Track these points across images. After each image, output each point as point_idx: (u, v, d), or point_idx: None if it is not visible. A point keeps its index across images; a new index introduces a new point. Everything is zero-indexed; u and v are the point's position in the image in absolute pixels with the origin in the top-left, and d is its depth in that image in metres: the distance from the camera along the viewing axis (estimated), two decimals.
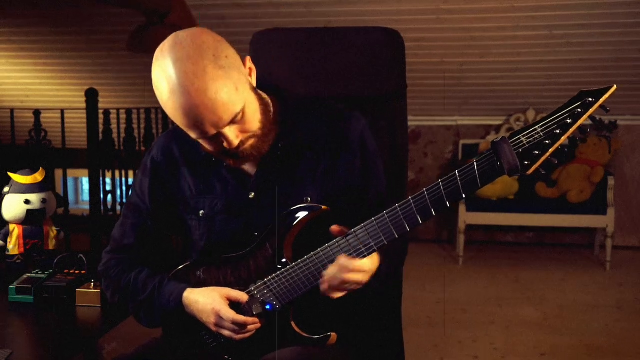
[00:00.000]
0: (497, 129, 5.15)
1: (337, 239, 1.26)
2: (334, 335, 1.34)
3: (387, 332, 1.63)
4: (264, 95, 1.36)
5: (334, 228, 1.26)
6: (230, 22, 4.39)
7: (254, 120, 1.30)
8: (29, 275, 1.69)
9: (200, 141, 1.31)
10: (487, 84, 4.86)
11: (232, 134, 1.26)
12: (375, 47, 1.70)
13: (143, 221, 1.46)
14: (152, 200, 1.45)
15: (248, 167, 1.40)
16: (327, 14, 4.24)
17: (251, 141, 1.30)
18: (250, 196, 1.38)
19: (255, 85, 1.33)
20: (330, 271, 1.26)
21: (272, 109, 1.38)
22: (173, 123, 1.31)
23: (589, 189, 4.63)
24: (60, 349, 1.39)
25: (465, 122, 5.26)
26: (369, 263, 1.27)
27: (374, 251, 1.25)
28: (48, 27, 4.86)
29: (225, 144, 1.27)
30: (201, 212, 1.41)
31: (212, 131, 1.24)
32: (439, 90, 4.98)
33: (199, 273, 1.40)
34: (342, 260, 1.24)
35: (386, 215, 1.22)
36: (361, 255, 1.24)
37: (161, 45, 1.23)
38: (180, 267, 1.42)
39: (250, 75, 1.32)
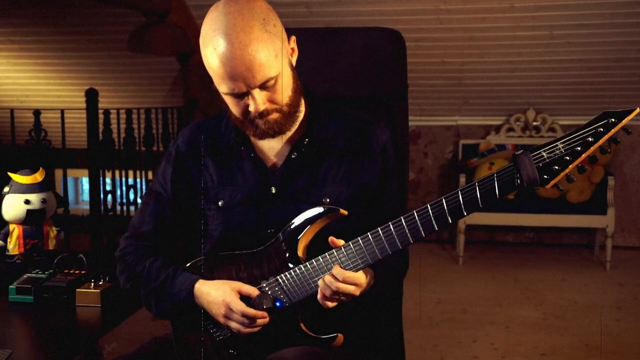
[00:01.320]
0: (497, 129, 5.15)
1: (351, 242, 1.28)
2: (340, 336, 1.35)
3: (387, 332, 1.64)
4: (301, 87, 1.40)
5: (332, 239, 1.29)
6: None
7: (285, 93, 1.33)
8: (29, 275, 1.69)
9: (228, 100, 1.33)
10: (487, 84, 4.86)
11: (260, 98, 1.29)
12: (376, 47, 1.70)
13: (163, 209, 1.48)
14: (173, 188, 1.47)
15: (272, 162, 1.42)
16: (327, 14, 4.24)
17: (275, 115, 1.33)
18: (272, 191, 1.40)
19: (294, 65, 1.37)
20: (326, 280, 1.27)
21: (303, 104, 1.42)
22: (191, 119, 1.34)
23: (589, 189, 4.63)
24: (60, 349, 1.39)
25: (465, 122, 5.27)
26: (363, 277, 1.29)
27: (368, 264, 1.27)
28: (48, 27, 4.86)
29: (250, 107, 1.30)
30: (220, 202, 1.42)
31: (243, 88, 1.27)
32: (439, 90, 4.98)
33: (211, 267, 1.41)
34: (336, 270, 1.26)
35: (403, 222, 1.24)
36: (356, 267, 1.27)
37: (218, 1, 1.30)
38: (194, 260, 1.44)
39: (292, 54, 1.37)
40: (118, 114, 4.50)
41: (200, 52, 1.30)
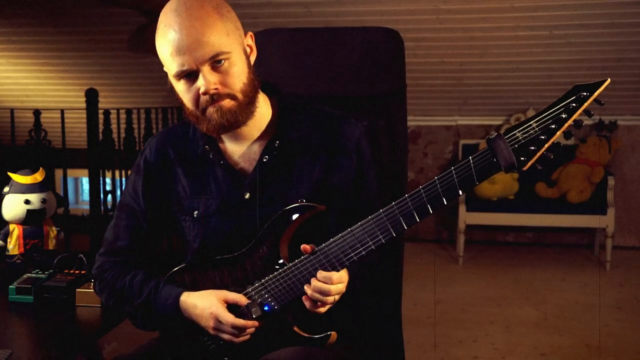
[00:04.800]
0: (497, 129, 5.15)
1: (334, 239, 1.27)
2: (334, 334, 1.34)
3: (387, 332, 1.63)
4: (259, 82, 1.37)
5: (305, 246, 1.28)
6: None
7: (238, 80, 1.30)
8: (29, 275, 1.69)
9: (180, 88, 1.31)
10: (487, 84, 4.86)
11: (210, 77, 1.26)
12: (374, 47, 1.70)
13: (137, 222, 1.44)
14: (145, 201, 1.44)
15: (243, 167, 1.39)
16: (326, 14, 4.24)
17: (229, 102, 1.29)
18: (246, 196, 1.37)
19: (252, 64, 1.35)
20: (317, 286, 1.27)
21: (270, 105, 1.40)
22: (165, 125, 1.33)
23: (589, 189, 4.63)
24: (60, 349, 1.39)
25: (465, 122, 5.26)
26: (345, 273, 1.30)
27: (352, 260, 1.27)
28: (48, 27, 4.86)
29: (201, 89, 1.27)
30: (195, 212, 1.40)
31: (192, 65, 1.25)
32: (439, 90, 4.98)
33: (194, 275, 1.39)
34: (322, 275, 1.26)
35: (383, 214, 1.23)
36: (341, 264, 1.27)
37: None
38: (175, 269, 1.41)
39: (250, 52, 1.35)
40: (118, 114, 4.50)
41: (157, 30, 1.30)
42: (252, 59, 1.36)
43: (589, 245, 5.08)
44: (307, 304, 1.29)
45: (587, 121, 5.01)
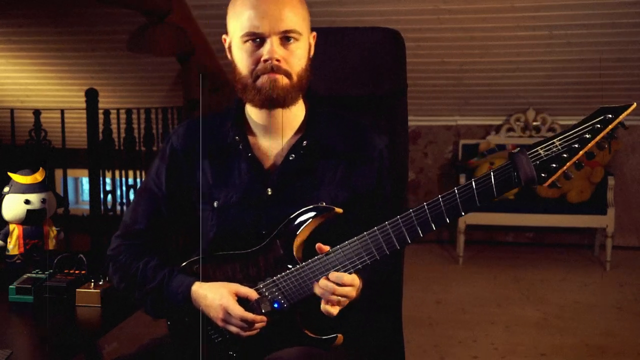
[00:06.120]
0: (497, 129, 5.15)
1: (349, 242, 1.29)
2: (340, 336, 1.34)
3: (387, 332, 1.63)
4: (310, 77, 1.41)
5: (320, 246, 1.30)
6: None
7: (299, 63, 1.35)
8: (29, 275, 1.69)
9: (242, 50, 1.34)
10: (487, 84, 4.86)
11: (277, 48, 1.31)
12: (376, 47, 1.70)
13: (156, 207, 1.47)
14: (167, 187, 1.46)
15: (269, 163, 1.42)
16: (327, 13, 4.24)
17: (284, 80, 1.33)
18: (268, 192, 1.39)
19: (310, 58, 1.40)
20: (323, 284, 1.29)
21: (304, 105, 1.44)
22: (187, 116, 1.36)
23: (589, 189, 4.63)
24: (60, 349, 1.39)
25: (465, 122, 5.26)
26: (357, 278, 1.31)
27: (365, 263, 1.28)
28: (48, 27, 4.86)
29: (265, 55, 1.30)
30: (215, 202, 1.41)
31: (266, 30, 1.29)
32: (439, 90, 4.98)
33: (207, 267, 1.40)
34: (334, 275, 1.28)
35: (400, 220, 1.25)
36: (354, 266, 1.29)
37: None
38: (190, 260, 1.42)
39: (310, 48, 1.40)
40: (118, 114, 4.50)
41: (229, 6, 1.35)
42: (311, 52, 1.41)
43: (589, 245, 5.08)
44: (322, 306, 1.30)
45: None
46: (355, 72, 1.71)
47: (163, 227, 1.48)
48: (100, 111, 4.24)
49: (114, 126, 4.41)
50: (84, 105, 4.21)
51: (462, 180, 4.74)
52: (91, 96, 4.16)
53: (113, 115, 4.42)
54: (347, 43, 1.73)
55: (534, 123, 5.01)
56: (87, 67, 5.23)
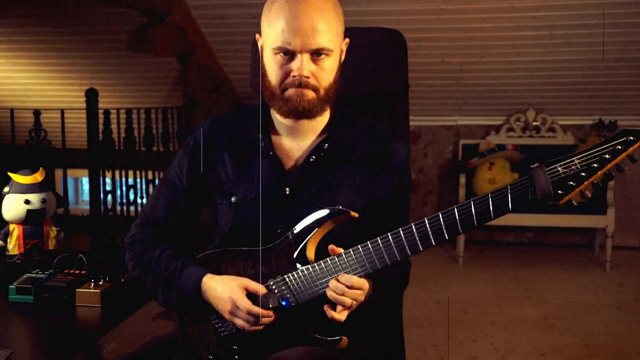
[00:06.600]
0: (497, 129, 5.15)
1: (361, 246, 1.30)
2: (345, 339, 1.35)
3: (388, 332, 1.63)
4: (340, 85, 1.42)
5: (333, 247, 1.31)
6: (230, 22, 4.39)
7: (327, 78, 1.36)
8: (29, 275, 1.69)
9: (273, 61, 1.35)
10: (487, 84, 4.86)
11: (307, 65, 1.32)
12: (377, 47, 1.71)
13: (176, 198, 1.49)
14: (188, 179, 1.48)
15: (290, 162, 1.43)
16: None
17: (311, 93, 1.34)
18: (287, 191, 1.40)
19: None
20: (333, 286, 1.30)
21: (329, 108, 1.45)
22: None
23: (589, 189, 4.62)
24: (60, 349, 1.39)
25: (465, 122, 5.27)
26: (366, 282, 1.32)
27: (376, 268, 1.30)
28: (48, 27, 4.86)
29: (294, 71, 1.32)
30: (233, 198, 1.43)
31: (297, 46, 1.30)
32: (439, 90, 4.98)
33: (220, 262, 1.42)
34: (344, 278, 1.29)
35: (414, 227, 1.27)
36: (364, 271, 1.30)
37: None
38: (204, 253, 1.44)
39: (342, 55, 1.41)
40: (118, 114, 4.50)
41: (264, 7, 1.35)
42: (342, 58, 1.42)
43: (589, 245, 5.08)
44: (329, 313, 1.31)
45: (587, 121, 5.02)
46: (357, 72, 1.71)
47: (180, 219, 1.50)
48: (100, 111, 4.25)
49: (114, 126, 4.41)
50: (84, 105, 4.21)
51: (462, 180, 4.74)
52: (91, 96, 4.16)
53: (113, 115, 4.42)
54: (349, 43, 1.73)
55: (534, 123, 5.01)
56: (87, 67, 5.23)
